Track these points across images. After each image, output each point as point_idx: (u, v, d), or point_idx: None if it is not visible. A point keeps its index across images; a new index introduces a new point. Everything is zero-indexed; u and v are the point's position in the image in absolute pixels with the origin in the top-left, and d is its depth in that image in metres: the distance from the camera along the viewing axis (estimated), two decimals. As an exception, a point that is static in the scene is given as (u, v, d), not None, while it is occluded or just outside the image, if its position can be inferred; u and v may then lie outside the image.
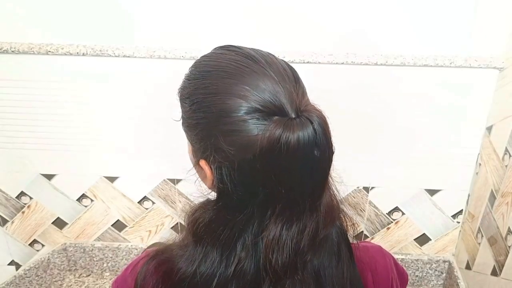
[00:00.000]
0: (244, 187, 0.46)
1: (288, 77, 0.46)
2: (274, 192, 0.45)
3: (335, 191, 0.52)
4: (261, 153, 0.42)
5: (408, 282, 1.28)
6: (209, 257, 0.49)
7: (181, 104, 0.51)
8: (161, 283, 0.51)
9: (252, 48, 0.49)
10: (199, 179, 0.54)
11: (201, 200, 0.52)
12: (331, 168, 0.47)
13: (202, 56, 0.51)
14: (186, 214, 0.52)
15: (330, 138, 0.44)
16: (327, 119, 0.44)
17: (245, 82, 0.44)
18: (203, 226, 0.49)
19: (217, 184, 0.48)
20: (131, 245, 1.31)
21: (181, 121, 0.52)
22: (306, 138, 0.41)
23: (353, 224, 0.54)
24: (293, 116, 0.43)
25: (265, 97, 0.43)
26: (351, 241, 0.54)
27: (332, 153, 0.45)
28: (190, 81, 0.49)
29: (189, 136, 0.51)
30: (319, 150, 0.43)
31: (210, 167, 0.48)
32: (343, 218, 0.53)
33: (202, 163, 0.48)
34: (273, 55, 0.49)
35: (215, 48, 0.51)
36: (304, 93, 0.47)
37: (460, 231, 1.22)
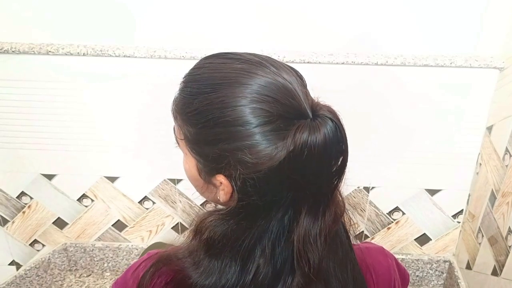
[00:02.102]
0: (270, 195, 0.45)
1: (296, 78, 0.46)
2: (300, 194, 0.45)
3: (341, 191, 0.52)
4: (288, 159, 0.42)
5: (409, 282, 1.28)
6: (229, 269, 0.47)
7: (185, 121, 0.48)
8: None
9: (249, 53, 0.48)
10: (202, 195, 0.54)
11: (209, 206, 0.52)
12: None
13: (196, 69, 0.48)
14: (194, 224, 0.50)
15: (345, 131, 0.45)
16: (340, 120, 0.45)
17: (261, 90, 0.43)
18: (221, 238, 0.47)
19: (240, 196, 0.46)
20: (132, 245, 1.31)
21: (181, 138, 0.51)
22: (331, 135, 0.42)
23: (353, 224, 0.54)
24: (311, 116, 0.43)
25: (284, 103, 0.43)
26: (352, 242, 0.54)
27: (347, 147, 0.46)
28: (195, 96, 0.46)
29: (197, 153, 0.48)
30: (343, 142, 0.45)
31: (229, 181, 0.46)
32: (346, 218, 0.53)
33: (220, 177, 0.46)
34: (273, 58, 0.48)
35: (206, 58, 0.49)
36: (307, 90, 0.47)
37: (460, 231, 1.22)
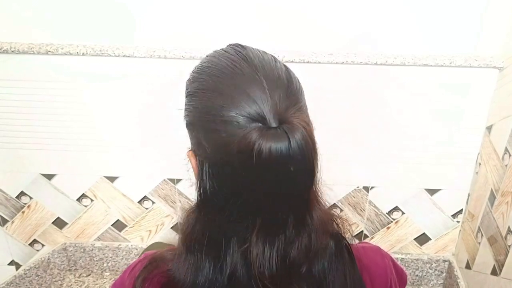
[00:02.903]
0: (221, 188, 0.47)
1: (280, 85, 0.45)
2: (251, 200, 0.45)
3: (324, 201, 0.52)
4: (237, 156, 0.42)
5: (408, 282, 1.28)
6: (202, 266, 0.48)
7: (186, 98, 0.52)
8: None
9: (256, 50, 0.49)
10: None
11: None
12: (317, 181, 0.47)
13: (213, 51, 0.52)
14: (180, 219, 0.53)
15: (312, 154, 0.43)
16: (312, 134, 0.43)
17: (233, 84, 0.44)
18: (191, 230, 0.49)
19: (198, 179, 0.49)
20: (131, 245, 1.31)
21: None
22: (279, 151, 0.41)
23: (351, 225, 0.54)
24: (274, 125, 0.42)
25: (248, 102, 0.43)
26: (350, 242, 0.54)
27: (312, 170, 0.44)
28: (192, 73, 0.50)
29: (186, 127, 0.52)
30: (294, 166, 0.42)
31: (196, 160, 0.49)
32: (339, 223, 0.53)
33: (189, 153, 0.50)
34: (274, 60, 0.48)
35: (228, 45, 0.52)
36: (295, 103, 0.46)
37: (460, 230, 1.22)
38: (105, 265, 1.33)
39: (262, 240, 0.46)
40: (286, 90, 0.46)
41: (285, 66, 0.49)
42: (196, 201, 0.51)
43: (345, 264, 0.51)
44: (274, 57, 0.50)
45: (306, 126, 0.43)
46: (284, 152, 0.41)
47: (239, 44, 0.50)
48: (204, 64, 0.49)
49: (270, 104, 0.43)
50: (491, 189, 1.03)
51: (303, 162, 0.42)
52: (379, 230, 1.25)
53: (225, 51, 0.49)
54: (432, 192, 1.17)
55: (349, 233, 0.54)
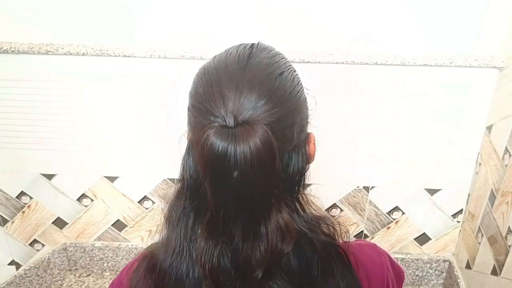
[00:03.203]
0: (184, 171, 0.50)
1: (260, 91, 0.45)
2: (203, 193, 0.46)
3: (309, 206, 0.52)
4: (195, 145, 0.44)
5: (409, 282, 1.28)
6: (173, 246, 0.50)
7: None
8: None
9: (266, 53, 0.50)
10: None
11: None
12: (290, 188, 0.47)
13: (232, 46, 0.54)
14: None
15: (263, 165, 0.42)
16: (273, 149, 0.42)
17: (218, 79, 0.47)
18: (167, 214, 0.53)
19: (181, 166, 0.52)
20: (132, 245, 1.31)
21: None
22: (219, 149, 0.41)
23: (347, 230, 0.54)
24: (230, 125, 0.43)
25: (220, 99, 0.45)
26: (344, 239, 0.54)
27: (265, 179, 0.43)
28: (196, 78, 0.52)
29: None
30: (238, 173, 0.42)
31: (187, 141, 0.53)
32: (334, 227, 0.53)
33: (186, 134, 0.53)
34: (281, 69, 0.48)
35: (250, 43, 0.53)
36: (274, 113, 0.45)
37: (460, 230, 1.22)
38: (105, 265, 1.33)
39: (208, 235, 0.47)
40: (267, 97, 0.45)
41: (292, 82, 0.48)
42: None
43: (336, 269, 0.51)
44: (286, 66, 0.49)
45: (267, 138, 0.42)
46: (225, 152, 0.41)
47: (258, 42, 0.52)
48: (215, 56, 0.51)
49: (236, 104, 0.44)
50: (491, 189, 1.03)
51: (249, 172, 0.42)
52: (379, 230, 1.25)
53: (238, 46, 0.51)
54: (432, 192, 1.17)
55: (344, 235, 0.54)
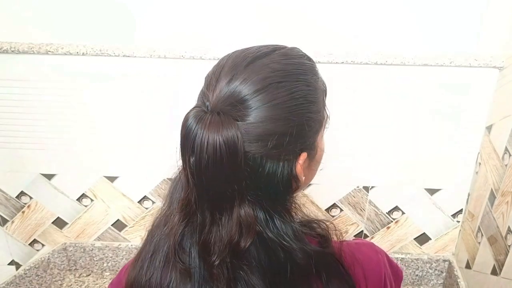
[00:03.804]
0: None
1: (247, 88, 0.45)
2: (183, 173, 0.48)
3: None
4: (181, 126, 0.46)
5: (409, 282, 1.28)
6: (158, 219, 0.56)
7: None
8: None
9: (288, 55, 0.50)
10: None
11: None
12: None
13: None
14: None
15: (215, 159, 0.43)
16: (230, 145, 0.43)
17: (224, 66, 0.48)
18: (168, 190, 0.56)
19: None
20: (131, 245, 1.31)
21: None
22: (187, 128, 0.44)
23: (339, 231, 0.55)
24: (207, 110, 0.45)
25: (214, 83, 0.47)
26: (337, 238, 0.54)
27: (221, 176, 0.44)
28: None
29: None
30: (193, 157, 0.44)
31: None
32: (324, 233, 0.53)
33: None
34: (283, 70, 0.48)
35: (290, 46, 0.54)
36: (249, 111, 0.45)
37: (460, 230, 1.22)
38: (105, 265, 1.33)
39: (181, 210, 0.50)
40: (253, 98, 0.45)
41: (290, 95, 0.47)
42: None
43: (322, 276, 0.50)
44: (294, 78, 0.48)
45: (232, 134, 0.43)
46: (190, 132, 0.44)
47: (285, 48, 0.52)
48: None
49: (222, 93, 0.46)
50: (491, 189, 1.03)
51: (204, 155, 0.43)
52: (379, 230, 1.25)
53: (265, 45, 0.51)
54: (432, 192, 1.17)
55: (339, 238, 0.54)
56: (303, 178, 0.52)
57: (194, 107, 0.46)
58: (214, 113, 0.44)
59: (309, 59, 0.54)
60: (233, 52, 0.51)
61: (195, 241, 0.49)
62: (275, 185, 0.49)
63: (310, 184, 0.55)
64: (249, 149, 0.45)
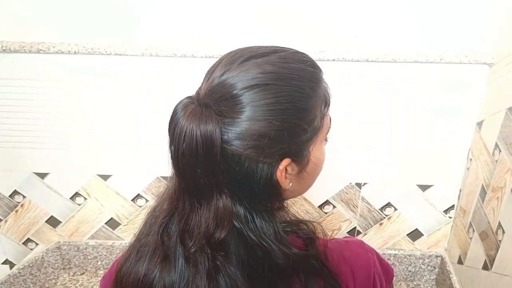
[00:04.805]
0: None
1: (234, 85, 0.46)
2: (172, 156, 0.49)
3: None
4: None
5: (401, 278, 1.29)
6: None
7: None
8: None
9: (286, 59, 0.50)
10: None
11: None
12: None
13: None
14: None
15: (190, 149, 0.44)
16: (207, 139, 0.44)
17: (222, 59, 0.50)
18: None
19: None
20: (125, 243, 1.31)
21: None
22: (174, 114, 0.46)
23: (323, 232, 0.55)
24: (194, 100, 0.47)
25: (208, 74, 0.49)
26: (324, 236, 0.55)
27: (197, 166, 0.45)
28: None
29: None
30: (173, 145, 0.46)
31: None
32: (310, 233, 0.54)
33: None
34: (274, 73, 0.48)
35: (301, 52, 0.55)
36: (231, 108, 0.45)
37: (452, 226, 1.22)
38: (99, 263, 1.33)
39: (167, 197, 0.54)
40: (236, 97, 0.46)
41: (275, 99, 0.46)
42: None
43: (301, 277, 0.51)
44: (284, 83, 0.47)
45: (211, 129, 0.44)
46: (174, 118, 0.46)
47: (286, 50, 0.52)
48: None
49: (211, 86, 0.47)
50: (482, 185, 1.03)
51: (181, 144, 0.45)
52: (372, 226, 1.26)
53: (271, 46, 0.52)
54: (424, 188, 1.18)
55: (322, 235, 0.54)
56: (289, 185, 0.51)
57: (187, 96, 0.48)
58: (199, 105, 0.46)
59: (313, 66, 0.53)
60: (237, 49, 0.51)
61: (180, 228, 0.51)
62: (255, 185, 0.49)
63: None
64: (227, 146, 0.46)
